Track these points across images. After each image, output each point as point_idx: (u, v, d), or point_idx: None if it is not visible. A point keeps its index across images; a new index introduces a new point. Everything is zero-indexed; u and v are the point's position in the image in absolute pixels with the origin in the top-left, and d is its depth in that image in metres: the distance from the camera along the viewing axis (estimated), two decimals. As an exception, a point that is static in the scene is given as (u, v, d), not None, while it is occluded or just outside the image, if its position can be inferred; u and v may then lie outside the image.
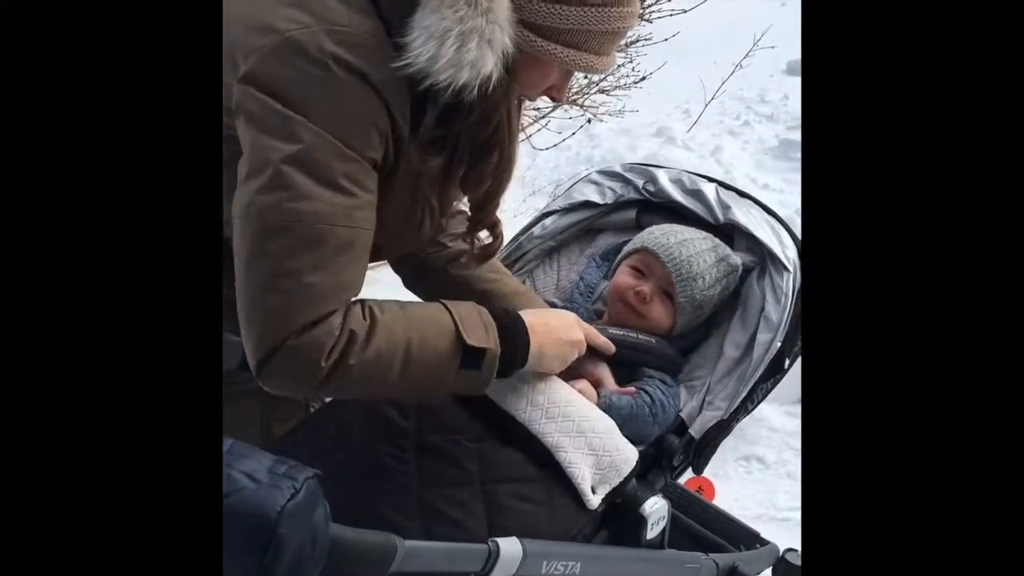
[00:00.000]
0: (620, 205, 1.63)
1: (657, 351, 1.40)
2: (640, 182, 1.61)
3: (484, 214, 1.21)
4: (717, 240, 1.47)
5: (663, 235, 1.46)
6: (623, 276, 1.46)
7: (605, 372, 1.35)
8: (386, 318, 1.06)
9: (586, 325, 1.29)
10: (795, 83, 5.25)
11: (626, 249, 1.51)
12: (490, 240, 1.26)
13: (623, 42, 3.78)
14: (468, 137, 1.09)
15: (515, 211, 3.82)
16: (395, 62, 1.00)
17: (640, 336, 1.39)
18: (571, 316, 1.28)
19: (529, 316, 1.19)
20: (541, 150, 3.66)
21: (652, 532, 1.21)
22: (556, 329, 1.23)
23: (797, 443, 2.75)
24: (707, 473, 2.16)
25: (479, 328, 1.11)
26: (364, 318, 1.05)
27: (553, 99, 1.23)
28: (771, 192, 3.93)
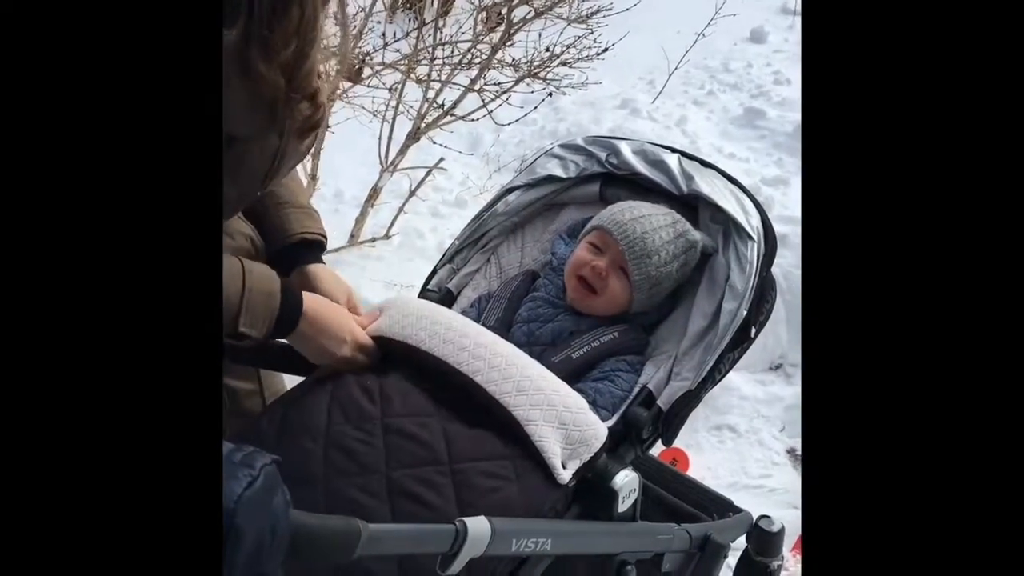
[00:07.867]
0: (583, 179, 1.62)
1: (622, 343, 1.41)
2: (603, 155, 1.60)
3: (298, 82, 1.11)
4: (677, 216, 1.46)
5: (620, 212, 1.45)
6: (580, 252, 1.46)
7: None
8: None
9: (360, 333, 1.31)
10: (758, 51, 5.25)
11: (587, 227, 1.50)
12: (311, 112, 1.18)
13: (583, 13, 3.76)
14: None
15: (481, 188, 3.79)
16: None
17: (603, 339, 1.40)
18: (347, 317, 1.31)
19: (311, 300, 1.24)
20: (504, 125, 3.63)
21: (623, 506, 1.20)
22: (330, 322, 1.27)
23: (768, 411, 2.78)
24: (679, 443, 2.17)
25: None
26: None
27: None
28: (737, 161, 3.94)
